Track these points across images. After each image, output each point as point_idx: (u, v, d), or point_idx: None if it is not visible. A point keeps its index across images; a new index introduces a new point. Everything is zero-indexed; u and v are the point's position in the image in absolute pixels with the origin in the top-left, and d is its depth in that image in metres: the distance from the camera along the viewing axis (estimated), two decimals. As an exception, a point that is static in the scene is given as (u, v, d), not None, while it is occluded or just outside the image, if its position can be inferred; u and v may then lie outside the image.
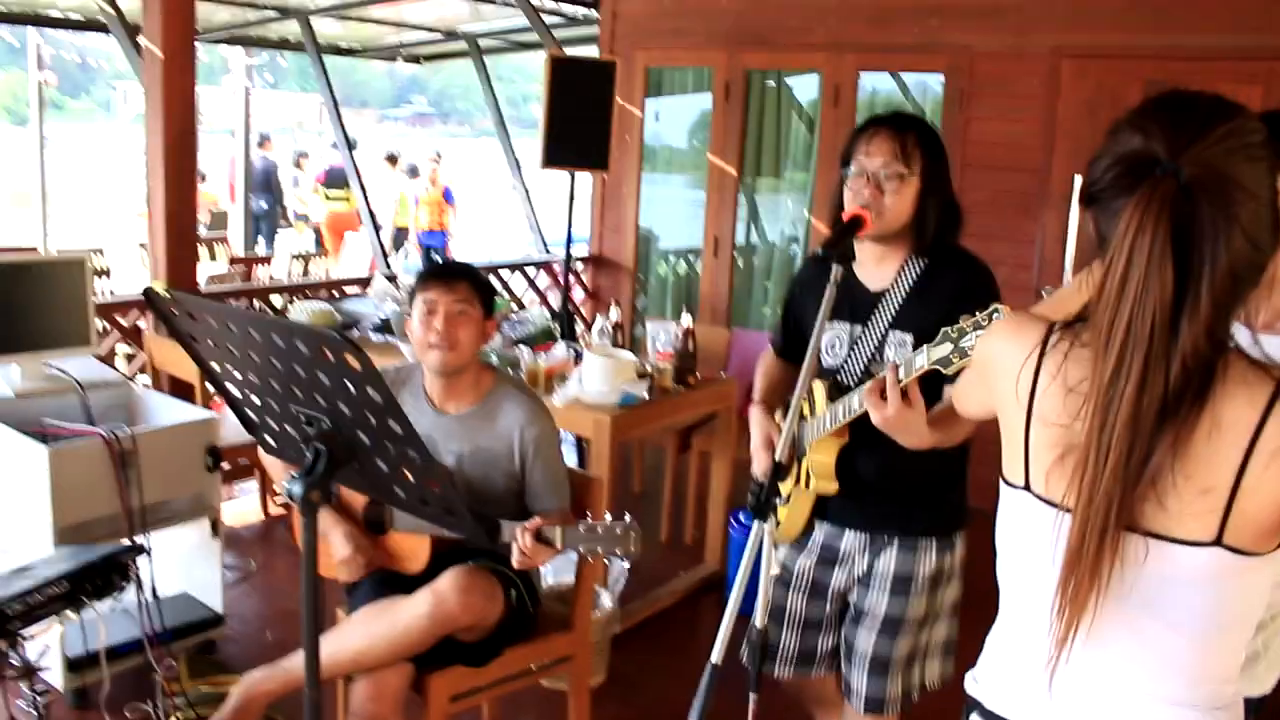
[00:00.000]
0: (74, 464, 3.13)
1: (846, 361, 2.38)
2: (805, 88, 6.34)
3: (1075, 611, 1.31)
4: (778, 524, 2.49)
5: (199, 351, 1.80)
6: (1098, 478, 1.27)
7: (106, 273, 9.15)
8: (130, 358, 5.32)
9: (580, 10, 7.69)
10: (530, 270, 7.04)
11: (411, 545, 2.69)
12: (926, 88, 5.87)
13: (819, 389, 2.34)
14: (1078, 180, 4.97)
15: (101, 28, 6.97)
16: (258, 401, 1.80)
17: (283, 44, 9.67)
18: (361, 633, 2.56)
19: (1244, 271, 1.25)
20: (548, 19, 7.90)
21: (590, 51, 7.38)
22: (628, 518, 2.36)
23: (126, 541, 2.90)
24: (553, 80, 5.45)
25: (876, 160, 2.29)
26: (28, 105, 17.01)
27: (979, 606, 1.93)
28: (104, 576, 2.51)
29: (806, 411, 2.36)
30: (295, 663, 2.61)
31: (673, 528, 4.97)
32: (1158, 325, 1.23)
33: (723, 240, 6.51)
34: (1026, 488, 1.40)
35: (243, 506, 5.01)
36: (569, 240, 5.72)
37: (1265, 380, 1.25)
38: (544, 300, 6.91)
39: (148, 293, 1.78)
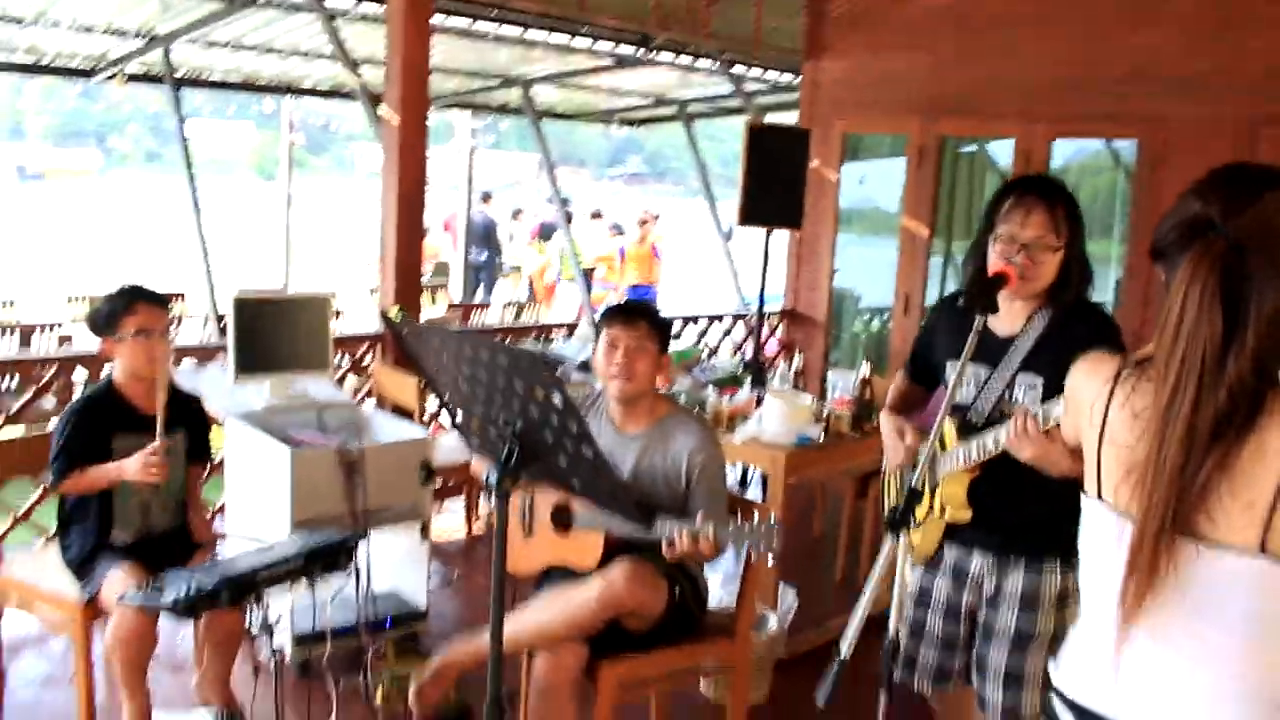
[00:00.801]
0: (311, 467, 3.63)
1: (976, 401, 2.60)
2: (1001, 150, 6.49)
3: (1135, 604, 1.53)
4: (912, 547, 2.72)
5: (422, 365, 2.21)
6: (1155, 488, 1.49)
7: (339, 313, 10.00)
8: (356, 390, 5.93)
9: (784, 77, 8.06)
10: (728, 321, 7.39)
11: (588, 541, 3.04)
12: (1119, 153, 5.94)
13: (949, 426, 2.58)
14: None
15: (348, 95, 7.78)
16: (466, 408, 2.18)
17: (503, 109, 10.42)
18: (541, 612, 2.93)
19: None
20: (752, 85, 8.31)
21: (791, 116, 7.73)
22: (771, 518, 2.66)
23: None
24: (750, 146, 5.81)
25: (1030, 231, 2.50)
26: (277, 163, 18.62)
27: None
28: (331, 557, 2.94)
29: (938, 448, 2.59)
30: (485, 638, 3.00)
31: (846, 568, 5.17)
32: (1208, 359, 1.45)
33: (913, 298, 6.70)
34: (1099, 498, 1.62)
35: (450, 522, 5.50)
36: (761, 293, 6.04)
37: None
38: (738, 350, 7.24)
39: (384, 315, 2.20)
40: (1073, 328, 2.51)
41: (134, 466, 3.16)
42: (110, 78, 8.12)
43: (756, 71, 8.58)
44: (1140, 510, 1.51)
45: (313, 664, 3.77)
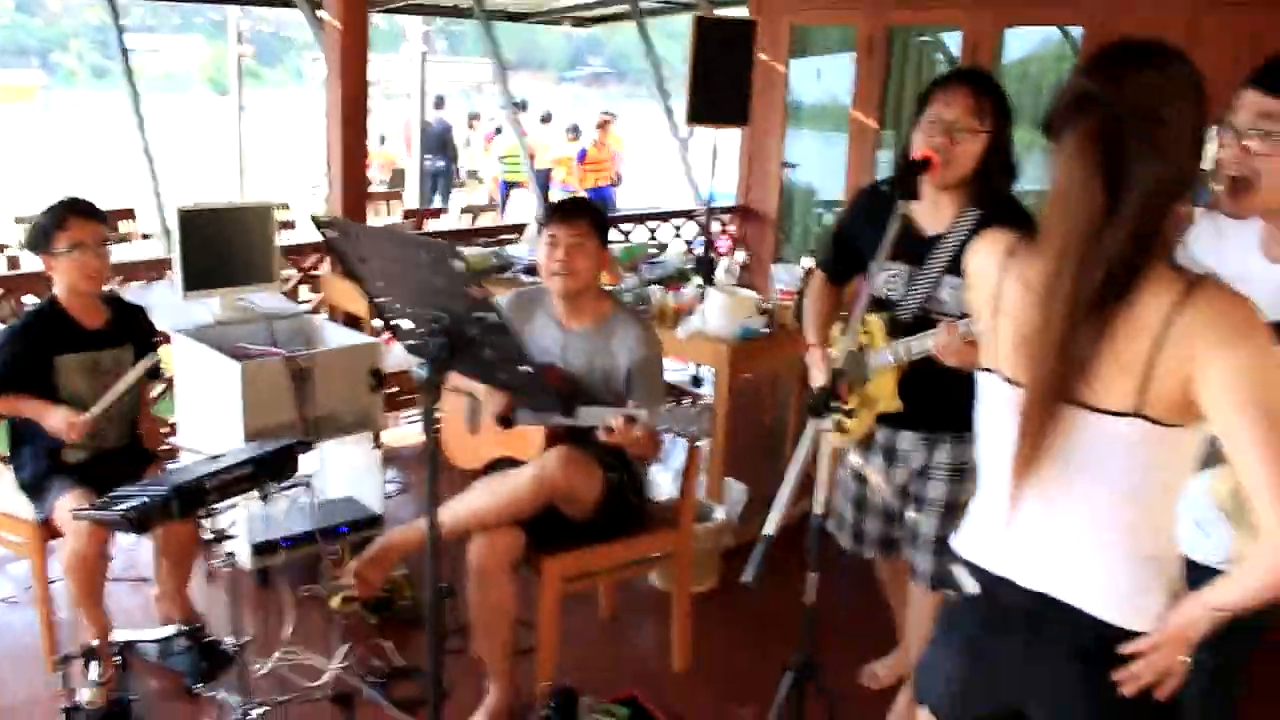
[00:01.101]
0: (261, 378, 3.66)
1: (904, 299, 2.66)
2: (955, 41, 6.44)
3: (1025, 468, 1.60)
4: (845, 431, 2.81)
5: (353, 267, 2.23)
6: (1042, 356, 1.56)
7: (292, 225, 9.90)
8: (312, 302, 5.93)
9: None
10: (679, 219, 7.40)
11: (530, 434, 3.11)
12: (1076, 42, 5.92)
13: (876, 322, 2.65)
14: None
15: (289, 2, 7.60)
16: (399, 307, 2.22)
17: (454, 10, 10.21)
18: (479, 495, 3.02)
19: (1165, 190, 1.50)
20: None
21: (743, 12, 7.64)
22: (701, 402, 2.74)
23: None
24: (698, 39, 5.76)
25: (954, 111, 2.55)
26: (228, 76, 18.25)
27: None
28: (279, 464, 2.98)
29: (866, 341, 2.66)
30: (418, 522, 3.08)
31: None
32: (1089, 231, 1.50)
33: (863, 191, 6.71)
34: (994, 369, 1.69)
35: (406, 431, 5.56)
36: (710, 190, 6.05)
37: (1178, 283, 1.50)
38: (690, 247, 7.26)
39: (314, 218, 2.22)
40: (998, 226, 2.56)
41: (55, 422, 3.18)
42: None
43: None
44: (1029, 378, 1.58)
45: (271, 572, 3.85)
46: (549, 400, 2.27)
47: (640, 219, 6.99)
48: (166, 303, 4.23)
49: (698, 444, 3.27)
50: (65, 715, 2.99)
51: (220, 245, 4.15)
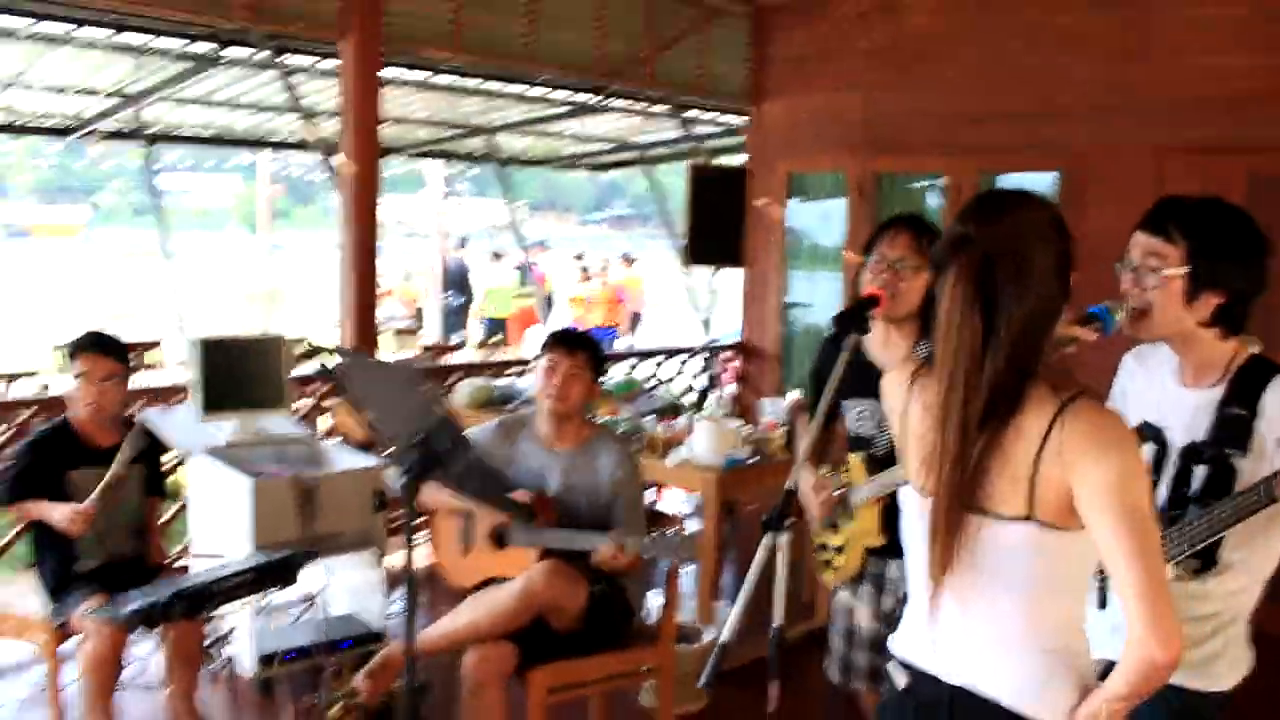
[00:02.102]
0: (270, 496, 3.88)
1: (876, 435, 2.88)
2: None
3: (938, 571, 1.79)
4: (835, 569, 3.01)
5: (346, 389, 2.48)
6: (942, 470, 1.76)
7: (309, 354, 10.22)
8: (327, 430, 6.18)
9: (736, 120, 8.39)
10: (684, 355, 7.67)
11: (521, 556, 3.30)
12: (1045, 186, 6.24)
13: (855, 460, 2.87)
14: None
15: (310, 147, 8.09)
16: (383, 424, 2.46)
17: (471, 157, 10.75)
18: (469, 611, 3.22)
19: (1036, 319, 1.73)
20: (707, 129, 8.64)
21: (743, 159, 8.06)
22: (686, 530, 2.95)
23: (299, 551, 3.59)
24: (694, 186, 6.14)
25: (897, 250, 2.81)
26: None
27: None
28: (280, 573, 3.20)
29: (846, 480, 2.88)
30: (421, 636, 3.25)
31: (792, 586, 5.39)
32: (972, 358, 1.73)
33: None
34: (908, 484, 1.89)
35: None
36: (707, 328, 6.33)
37: (1054, 401, 1.71)
38: (693, 384, 7.51)
39: (309, 345, 2.48)
40: None
41: (59, 517, 3.44)
42: (87, 135, 8.42)
43: (712, 115, 8.93)
44: (933, 490, 1.78)
45: (274, 682, 4.01)
46: (516, 506, 2.48)
47: (646, 355, 7.27)
48: (186, 424, 4.49)
49: (682, 567, 3.47)
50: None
51: (236, 373, 4.42)
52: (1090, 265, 6.00)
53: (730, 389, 5.03)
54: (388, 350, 11.23)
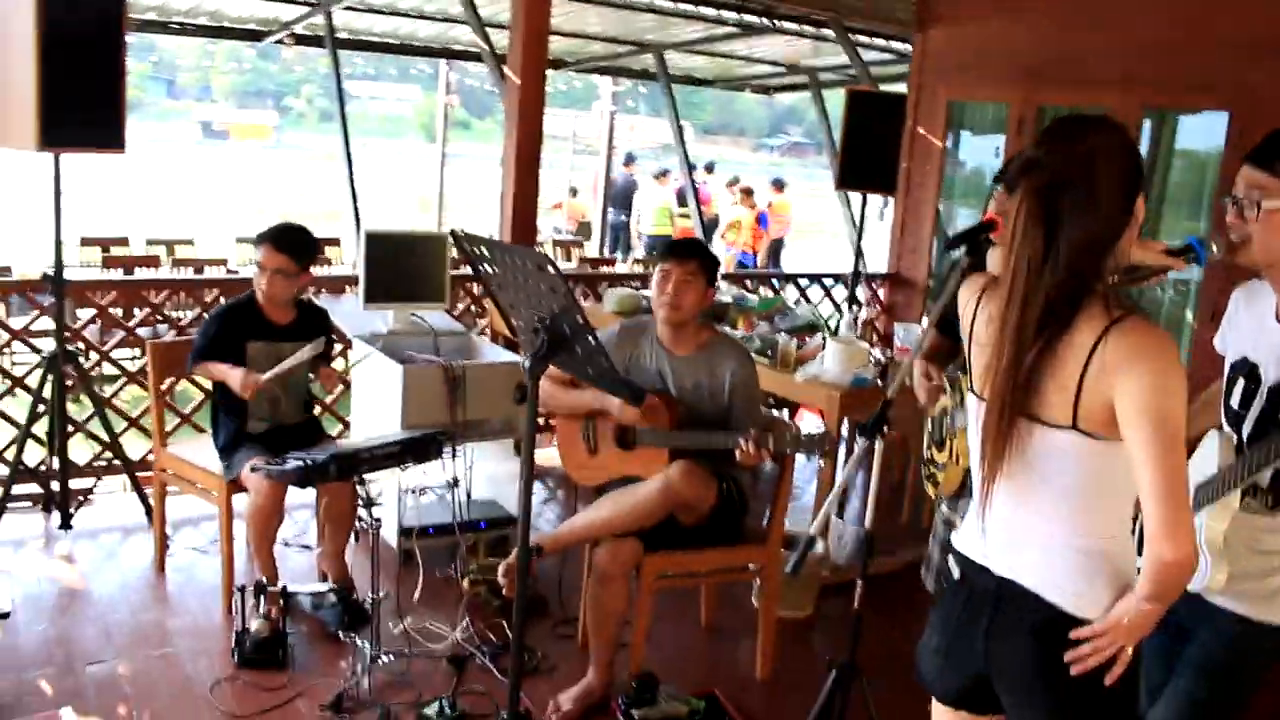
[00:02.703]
0: (420, 381, 4.20)
1: None
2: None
3: (991, 473, 1.92)
4: (937, 483, 3.13)
5: (484, 277, 2.71)
6: (997, 376, 1.88)
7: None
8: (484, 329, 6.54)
9: (904, 48, 8.31)
10: (830, 281, 7.74)
11: (652, 456, 3.52)
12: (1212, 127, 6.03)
13: (962, 381, 2.97)
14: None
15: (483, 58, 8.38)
16: (516, 310, 2.68)
17: (641, 74, 10.89)
18: (609, 506, 3.45)
19: (1095, 239, 1.82)
20: (873, 54, 8.57)
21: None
22: (820, 428, 3.12)
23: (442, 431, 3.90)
24: (851, 112, 6.16)
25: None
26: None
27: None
28: (424, 447, 3.50)
29: (955, 402, 2.98)
30: (562, 528, 3.53)
31: (912, 512, 5.52)
32: (1032, 272, 1.83)
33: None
34: (972, 389, 2.02)
35: (552, 452, 6.04)
36: (857, 254, 6.39)
37: (1105, 318, 1.80)
38: (839, 310, 7.57)
39: (451, 232, 2.71)
40: None
41: (235, 380, 3.79)
42: (279, 41, 8.91)
43: (882, 42, 8.85)
44: (989, 394, 1.90)
45: (412, 553, 4.37)
46: (633, 390, 2.71)
47: (790, 278, 7.37)
48: (350, 311, 4.86)
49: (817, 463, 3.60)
50: (235, 638, 3.60)
51: (398, 266, 4.75)
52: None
53: (872, 313, 5.11)
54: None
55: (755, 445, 3.22)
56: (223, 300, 5.12)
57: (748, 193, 13.36)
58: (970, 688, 2.07)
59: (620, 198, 14.62)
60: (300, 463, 3.27)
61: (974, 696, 2.08)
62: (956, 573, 2.09)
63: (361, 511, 3.54)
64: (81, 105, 4.01)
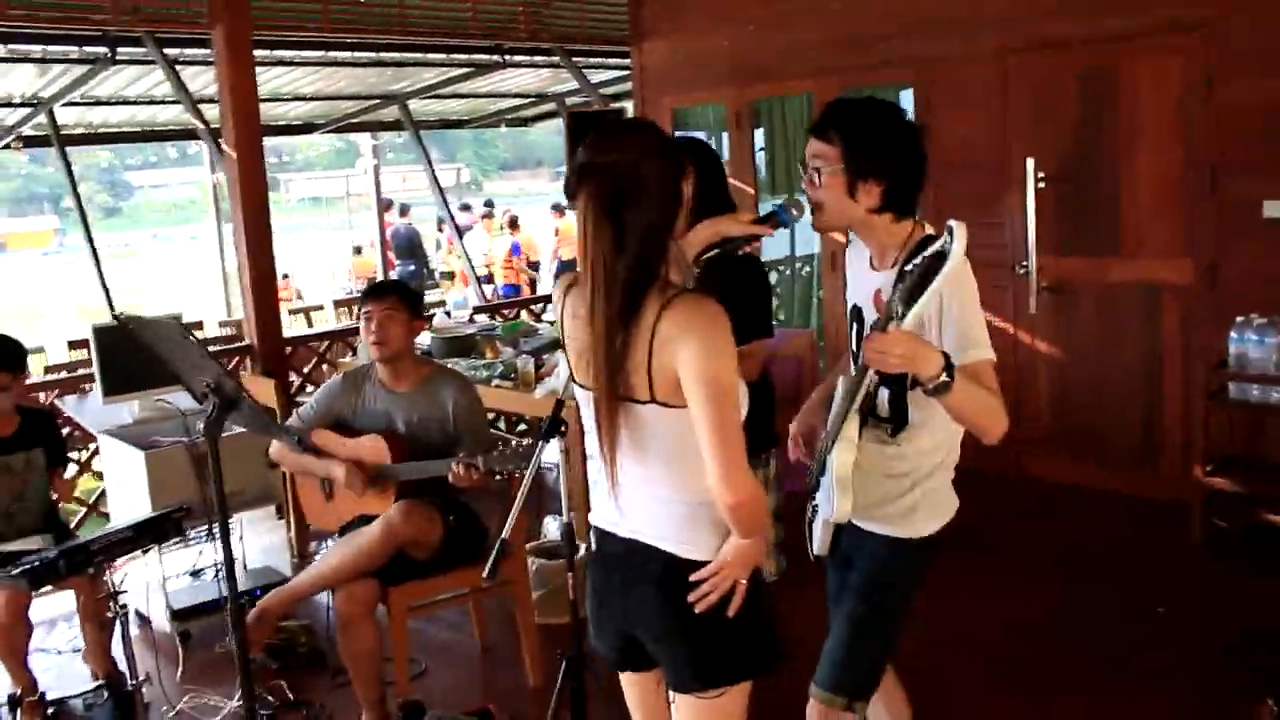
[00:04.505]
0: (163, 464, 4.25)
1: None
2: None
3: (609, 451, 2.13)
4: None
5: (156, 354, 2.82)
6: (595, 365, 2.09)
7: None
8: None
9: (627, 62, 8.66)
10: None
11: (382, 494, 3.66)
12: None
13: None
14: (1029, 165, 5.49)
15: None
16: (190, 378, 2.79)
17: (394, 125, 10.99)
18: (337, 554, 3.56)
19: (654, 229, 2.05)
20: (603, 74, 8.91)
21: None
22: (528, 441, 3.29)
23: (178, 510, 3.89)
24: (573, 133, 6.43)
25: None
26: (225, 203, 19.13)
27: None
28: (160, 528, 3.53)
29: None
30: (291, 583, 3.62)
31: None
32: (606, 266, 2.05)
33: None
34: (574, 380, 2.23)
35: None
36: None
37: (664, 297, 2.02)
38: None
39: (114, 315, 2.81)
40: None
41: None
42: (6, 146, 8.69)
43: (613, 61, 9.17)
44: (593, 383, 2.12)
45: (188, 634, 4.38)
46: (288, 432, 2.84)
47: (523, 304, 7.63)
48: (95, 408, 4.84)
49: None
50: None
51: (136, 354, 4.73)
52: (945, 171, 6.25)
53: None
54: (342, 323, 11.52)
55: (465, 468, 3.37)
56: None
57: (513, 223, 13.60)
58: (625, 648, 2.27)
59: (404, 248, 14.60)
60: (28, 565, 3.29)
61: (634, 656, 2.28)
62: (594, 544, 2.30)
63: (110, 607, 3.55)
64: None
